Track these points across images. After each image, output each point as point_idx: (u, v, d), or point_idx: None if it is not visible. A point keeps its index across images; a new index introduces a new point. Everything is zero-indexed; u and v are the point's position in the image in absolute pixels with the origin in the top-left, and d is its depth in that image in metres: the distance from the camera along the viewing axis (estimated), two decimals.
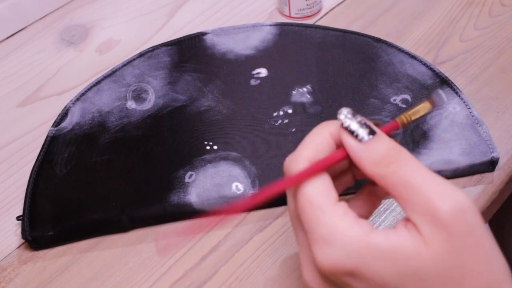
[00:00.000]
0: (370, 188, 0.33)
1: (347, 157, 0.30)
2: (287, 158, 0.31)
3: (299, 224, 0.31)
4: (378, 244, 0.28)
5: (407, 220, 0.28)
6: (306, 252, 0.30)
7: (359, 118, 0.30)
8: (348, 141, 0.30)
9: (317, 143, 0.31)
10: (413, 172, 0.28)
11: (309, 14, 0.58)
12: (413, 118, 0.32)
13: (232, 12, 0.60)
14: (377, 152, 0.29)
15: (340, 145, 0.31)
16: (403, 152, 0.29)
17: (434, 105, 0.33)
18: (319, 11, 0.59)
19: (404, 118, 0.32)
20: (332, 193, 0.29)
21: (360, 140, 0.30)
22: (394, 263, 0.27)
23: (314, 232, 0.28)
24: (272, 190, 0.30)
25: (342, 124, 0.30)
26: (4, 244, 0.44)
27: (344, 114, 0.30)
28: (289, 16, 0.58)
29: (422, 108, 0.32)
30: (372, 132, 0.30)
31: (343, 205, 0.29)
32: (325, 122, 0.32)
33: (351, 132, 0.30)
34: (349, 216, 0.29)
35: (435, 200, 0.27)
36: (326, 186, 0.30)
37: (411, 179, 0.28)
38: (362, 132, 0.30)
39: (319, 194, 0.29)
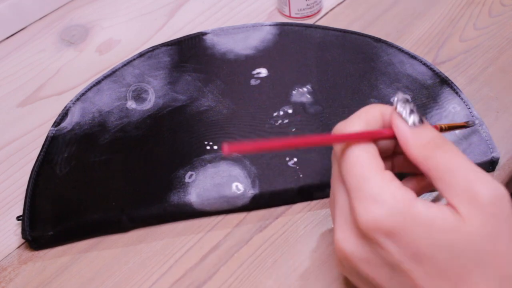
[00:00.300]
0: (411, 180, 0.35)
1: (393, 137, 0.33)
2: (337, 125, 0.33)
3: (340, 184, 0.33)
4: (420, 212, 0.29)
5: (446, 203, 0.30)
6: (344, 212, 0.32)
7: (412, 105, 0.33)
8: (399, 122, 0.32)
9: (368, 118, 0.33)
10: (457, 159, 0.30)
11: (309, 14, 0.58)
12: (447, 129, 0.36)
13: (232, 12, 0.60)
14: (425, 136, 0.31)
15: (387, 127, 0.33)
16: (449, 142, 0.31)
17: (469, 126, 0.39)
18: (319, 11, 0.59)
19: (441, 126, 0.36)
20: (381, 161, 0.31)
21: (412, 125, 0.32)
22: (431, 233, 0.28)
23: (362, 189, 0.30)
24: (323, 139, 0.32)
25: (395, 108, 0.32)
26: (4, 244, 0.44)
27: (399, 99, 0.33)
28: (289, 16, 0.58)
29: (459, 126, 0.38)
30: (421, 121, 0.32)
31: (390, 173, 0.31)
32: (377, 104, 0.34)
33: (402, 116, 0.32)
34: (396, 181, 0.30)
35: (477, 185, 0.29)
36: (376, 153, 0.32)
37: (454, 164, 0.30)
38: (413, 118, 0.32)
39: (370, 157, 0.31)
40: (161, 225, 0.44)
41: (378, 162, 0.31)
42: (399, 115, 0.32)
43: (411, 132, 0.32)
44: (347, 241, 0.31)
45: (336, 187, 0.33)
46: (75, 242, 0.43)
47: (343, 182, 0.32)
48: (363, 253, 0.31)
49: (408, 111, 0.32)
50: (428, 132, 0.32)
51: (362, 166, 0.31)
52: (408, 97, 0.33)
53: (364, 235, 0.30)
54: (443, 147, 0.31)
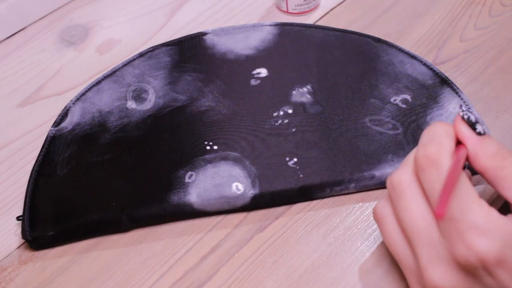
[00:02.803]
0: None
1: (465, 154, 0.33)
2: (426, 152, 0.32)
3: (428, 217, 0.31)
4: None
5: None
6: (435, 247, 0.31)
7: (476, 113, 0.34)
8: (469, 132, 0.33)
9: (453, 135, 0.33)
10: None
11: (307, 9, 0.58)
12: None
13: (232, 12, 0.60)
14: (494, 146, 0.32)
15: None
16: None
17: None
18: (316, 7, 0.59)
19: None
20: (474, 188, 0.31)
21: (478, 134, 0.33)
22: None
23: (464, 221, 0.29)
24: (449, 187, 0.30)
25: (463, 117, 0.33)
26: (4, 244, 0.44)
27: (463, 108, 0.33)
28: (287, 12, 0.59)
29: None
30: (484, 130, 0.33)
31: (483, 200, 0.31)
32: (437, 122, 0.34)
33: (469, 125, 0.33)
34: (492, 208, 0.30)
35: None
36: (468, 179, 0.32)
37: None
38: (480, 127, 0.33)
39: (468, 186, 0.31)
40: (161, 225, 0.44)
41: (474, 190, 0.31)
42: (467, 124, 0.33)
43: (481, 143, 0.32)
44: (446, 278, 0.31)
45: (419, 221, 0.32)
46: (75, 242, 0.43)
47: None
48: (466, 286, 0.30)
49: (475, 118, 0.33)
50: (494, 143, 0.32)
51: (463, 196, 0.30)
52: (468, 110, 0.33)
53: (468, 267, 0.30)
54: (510, 156, 0.32)
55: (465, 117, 0.33)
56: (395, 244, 0.34)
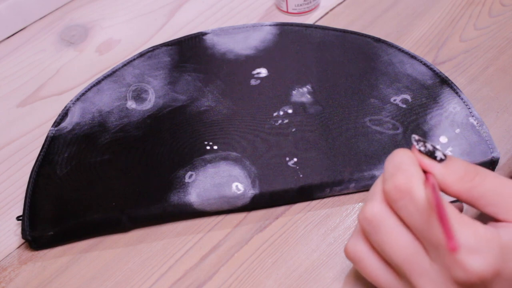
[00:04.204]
0: None
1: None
2: (395, 183, 0.31)
3: (422, 244, 0.31)
4: (507, 240, 0.30)
5: (498, 222, 0.31)
6: (430, 275, 0.30)
7: (429, 142, 0.34)
8: (431, 163, 0.32)
9: (417, 165, 0.32)
10: (496, 180, 0.31)
11: (306, 9, 0.58)
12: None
13: (232, 12, 0.60)
14: (460, 168, 0.32)
15: None
16: (478, 166, 0.32)
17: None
18: (316, 7, 0.59)
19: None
20: (453, 206, 0.31)
21: (439, 161, 0.32)
22: None
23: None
24: (445, 219, 0.29)
25: (420, 150, 0.32)
26: (4, 244, 0.44)
27: (417, 140, 0.33)
28: (287, 12, 0.59)
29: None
30: (444, 155, 0.32)
31: (462, 214, 0.31)
32: (400, 150, 0.33)
33: (429, 155, 0.32)
34: (475, 221, 0.30)
35: None
36: (446, 200, 0.31)
37: (498, 186, 0.31)
38: (439, 154, 0.32)
39: (451, 208, 0.30)
40: (161, 225, 0.44)
41: (454, 209, 0.30)
42: (426, 155, 0.32)
43: (447, 170, 0.32)
44: None
45: (406, 250, 0.31)
46: (75, 242, 0.43)
47: (424, 239, 0.31)
48: None
49: (431, 147, 0.32)
50: (459, 164, 0.32)
51: (451, 218, 0.30)
52: (416, 135, 0.33)
53: (468, 287, 0.30)
54: (480, 173, 0.32)
55: (422, 149, 0.33)
56: (382, 279, 0.33)
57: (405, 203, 0.31)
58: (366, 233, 0.33)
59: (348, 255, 0.35)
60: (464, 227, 0.29)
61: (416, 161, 0.32)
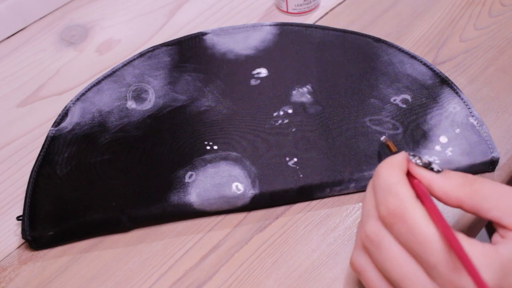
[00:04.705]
0: None
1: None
2: (388, 209, 0.32)
3: (420, 263, 0.31)
4: (507, 257, 0.30)
5: (503, 229, 0.31)
6: None
7: (425, 157, 0.37)
8: (428, 174, 0.33)
9: (402, 174, 0.33)
10: (496, 185, 0.32)
11: (306, 10, 0.58)
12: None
13: (232, 12, 0.60)
14: (458, 177, 0.33)
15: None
16: (475, 174, 0.33)
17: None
18: (316, 7, 0.59)
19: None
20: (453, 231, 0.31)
21: (437, 172, 0.33)
22: None
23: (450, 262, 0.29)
24: (454, 241, 0.30)
25: (417, 163, 0.34)
26: (4, 244, 0.44)
27: (412, 155, 0.34)
28: (287, 12, 0.59)
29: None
30: (439, 167, 0.34)
31: (460, 233, 0.31)
32: (383, 170, 0.34)
33: (426, 167, 0.34)
34: (472, 238, 0.31)
35: None
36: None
37: (499, 189, 0.31)
38: (435, 166, 0.34)
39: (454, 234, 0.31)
40: (161, 225, 0.44)
41: (454, 232, 0.30)
42: (424, 168, 0.34)
43: (446, 180, 0.33)
44: None
45: (405, 268, 0.32)
46: (75, 242, 0.43)
47: (421, 259, 0.31)
48: None
49: (426, 161, 0.34)
50: (456, 174, 0.33)
51: (438, 238, 0.30)
52: (409, 152, 0.35)
53: None
54: (478, 179, 0.32)
55: (418, 162, 0.34)
56: None
57: (399, 227, 0.31)
58: (367, 250, 0.33)
59: (352, 267, 0.35)
60: (474, 249, 0.30)
61: (402, 176, 0.33)
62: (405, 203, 0.31)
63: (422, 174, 0.33)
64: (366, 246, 0.33)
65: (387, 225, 0.32)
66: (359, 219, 0.38)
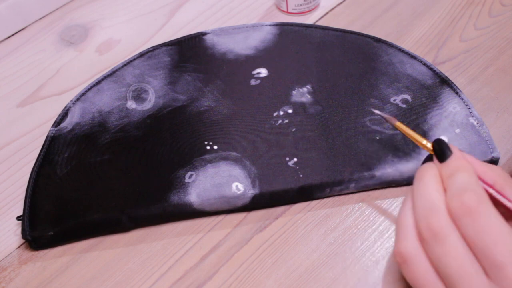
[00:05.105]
0: None
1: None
2: (463, 201, 0.32)
3: (482, 263, 0.31)
4: None
5: None
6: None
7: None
8: (471, 158, 0.35)
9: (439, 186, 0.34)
10: None
11: (306, 9, 0.58)
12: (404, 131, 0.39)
13: (232, 12, 0.60)
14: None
15: None
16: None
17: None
18: (316, 7, 0.59)
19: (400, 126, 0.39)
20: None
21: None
22: None
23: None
24: None
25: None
26: (4, 244, 0.44)
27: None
28: (287, 12, 0.59)
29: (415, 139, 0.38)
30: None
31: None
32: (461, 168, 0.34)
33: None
34: None
35: None
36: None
37: None
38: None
39: (504, 224, 0.31)
40: (161, 225, 0.44)
41: (508, 226, 0.30)
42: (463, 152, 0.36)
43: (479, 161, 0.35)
44: None
45: (468, 267, 0.31)
46: (75, 242, 0.43)
47: (486, 258, 0.30)
48: None
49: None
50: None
51: (507, 239, 0.30)
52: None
53: None
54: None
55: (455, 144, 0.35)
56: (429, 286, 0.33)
57: (470, 223, 0.31)
58: (425, 242, 0.33)
59: (398, 256, 0.34)
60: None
61: (477, 177, 0.33)
62: (481, 200, 0.31)
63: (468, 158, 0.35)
64: (425, 238, 0.32)
65: (456, 217, 0.31)
66: (407, 206, 0.36)
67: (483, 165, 0.35)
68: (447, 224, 0.32)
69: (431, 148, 0.36)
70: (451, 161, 0.34)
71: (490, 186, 0.34)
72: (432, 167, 0.35)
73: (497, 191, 0.33)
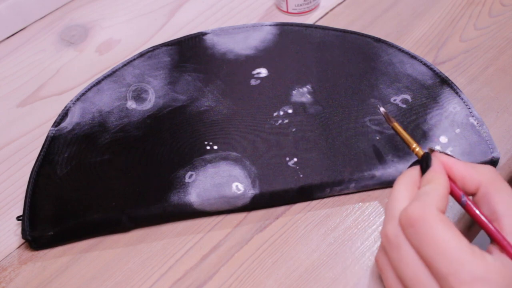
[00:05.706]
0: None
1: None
2: (407, 212, 0.32)
3: (423, 269, 0.31)
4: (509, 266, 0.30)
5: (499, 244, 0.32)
6: None
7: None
8: (452, 159, 0.36)
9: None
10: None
11: (306, 10, 0.58)
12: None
13: (232, 12, 0.60)
14: (461, 162, 0.36)
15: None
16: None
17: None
18: (316, 7, 0.59)
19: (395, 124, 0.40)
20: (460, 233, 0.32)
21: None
22: None
23: (467, 273, 0.29)
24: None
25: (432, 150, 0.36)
26: (4, 244, 0.44)
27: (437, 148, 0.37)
28: (287, 12, 0.59)
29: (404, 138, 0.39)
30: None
31: (465, 240, 0.31)
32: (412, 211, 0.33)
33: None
34: (479, 249, 0.31)
35: None
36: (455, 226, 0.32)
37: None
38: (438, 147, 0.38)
39: (459, 236, 0.31)
40: (161, 225, 0.44)
41: (464, 238, 0.31)
42: (443, 153, 0.36)
43: (463, 162, 0.36)
44: None
45: (421, 274, 0.32)
46: (75, 242, 0.43)
47: (433, 269, 0.31)
48: None
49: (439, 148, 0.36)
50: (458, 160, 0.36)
51: (456, 250, 0.30)
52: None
53: None
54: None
55: (437, 148, 0.35)
56: None
57: (415, 232, 0.31)
58: (385, 250, 0.34)
59: (376, 264, 0.36)
60: (473, 257, 0.30)
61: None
62: (427, 211, 0.31)
63: (444, 159, 0.35)
64: (384, 246, 0.34)
65: (404, 228, 0.32)
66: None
67: (470, 168, 0.35)
68: (399, 232, 0.33)
69: (421, 154, 0.37)
70: (427, 173, 0.35)
71: (459, 196, 0.34)
72: (409, 175, 0.36)
73: (471, 202, 0.34)
